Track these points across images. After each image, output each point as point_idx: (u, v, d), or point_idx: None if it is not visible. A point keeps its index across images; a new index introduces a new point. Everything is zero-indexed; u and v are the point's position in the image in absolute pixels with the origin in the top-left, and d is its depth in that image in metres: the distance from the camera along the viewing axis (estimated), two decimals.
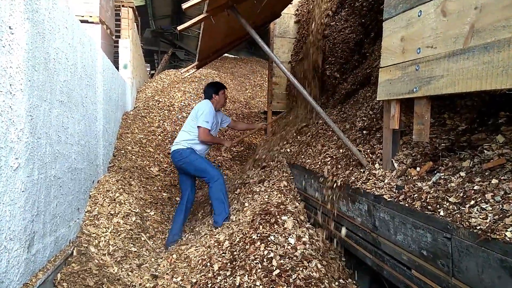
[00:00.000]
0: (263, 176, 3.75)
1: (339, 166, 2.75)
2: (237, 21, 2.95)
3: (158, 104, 7.02)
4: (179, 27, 2.90)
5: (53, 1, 2.62)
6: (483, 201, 1.47)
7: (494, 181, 1.52)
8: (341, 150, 2.98)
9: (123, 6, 8.31)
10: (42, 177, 2.43)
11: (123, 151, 5.16)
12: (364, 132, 2.86)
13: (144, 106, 6.99)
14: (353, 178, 2.43)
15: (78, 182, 3.22)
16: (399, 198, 1.91)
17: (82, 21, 6.21)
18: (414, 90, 1.87)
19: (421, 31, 1.84)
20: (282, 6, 4.88)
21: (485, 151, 1.71)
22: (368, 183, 2.25)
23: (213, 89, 4.11)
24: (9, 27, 2.01)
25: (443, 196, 1.66)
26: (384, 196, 2.02)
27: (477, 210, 1.45)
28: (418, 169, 2.01)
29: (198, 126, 3.84)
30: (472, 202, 1.50)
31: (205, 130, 3.84)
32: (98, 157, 4.09)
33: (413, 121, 1.91)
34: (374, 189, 2.15)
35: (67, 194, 2.91)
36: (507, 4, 1.35)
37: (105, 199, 3.61)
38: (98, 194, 3.65)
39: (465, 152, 1.82)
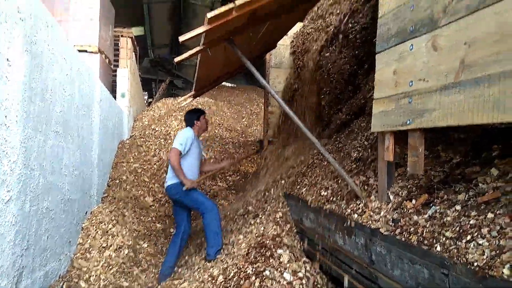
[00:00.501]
0: (259, 207, 3.71)
1: (335, 198, 2.72)
2: (234, 52, 3.00)
3: (154, 132, 7.03)
4: (176, 59, 2.94)
5: (52, 32, 2.67)
6: (479, 236, 1.45)
7: (489, 215, 1.51)
8: (336, 181, 2.96)
9: (122, 36, 8.46)
10: (34, 210, 2.39)
11: (117, 181, 5.12)
12: (359, 162, 2.85)
13: (140, 134, 6.99)
14: (349, 210, 2.40)
15: (70, 214, 3.17)
16: (396, 232, 1.88)
17: (81, 51, 6.31)
18: (408, 122, 1.88)
19: (413, 65, 1.87)
20: (278, 38, 4.99)
21: (479, 184, 1.70)
22: (364, 216, 2.22)
23: (194, 116, 4.11)
24: (7, 59, 2.03)
25: (439, 230, 1.64)
26: (381, 230, 1.99)
27: (474, 246, 1.43)
28: (413, 201, 1.99)
29: (171, 148, 3.75)
30: (469, 237, 1.48)
31: (176, 151, 3.71)
32: (92, 188, 4.05)
33: (408, 153, 1.91)
34: (370, 222, 2.13)
35: (58, 226, 2.85)
36: (496, 39, 1.38)
37: (97, 231, 3.54)
38: (91, 226, 3.59)
39: (460, 184, 1.82)
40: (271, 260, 2.63)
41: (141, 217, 4.46)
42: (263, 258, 2.65)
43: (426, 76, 1.76)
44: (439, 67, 1.67)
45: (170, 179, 3.86)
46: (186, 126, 4.09)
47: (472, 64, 1.48)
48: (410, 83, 1.88)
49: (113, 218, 3.90)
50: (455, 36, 1.57)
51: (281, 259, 2.66)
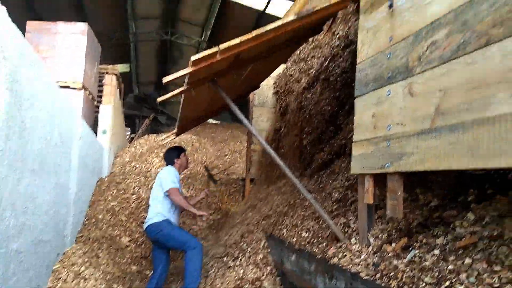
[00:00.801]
0: (239, 249, 3.62)
1: (316, 240, 2.69)
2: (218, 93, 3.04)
3: (134, 170, 6.93)
4: (159, 99, 2.95)
5: (36, 70, 2.66)
6: (458, 282, 1.44)
7: (467, 260, 1.50)
8: (317, 222, 2.94)
9: (107, 73, 8.51)
10: (2, 252, 2.28)
11: (93, 220, 4.96)
12: (340, 203, 2.85)
13: (120, 171, 6.87)
14: (330, 254, 2.37)
15: (41, 256, 3.02)
16: (376, 277, 1.85)
17: (65, 87, 6.29)
18: (387, 165, 1.90)
19: (390, 109, 1.92)
20: (261, 79, 5.10)
21: (457, 228, 1.71)
22: (344, 259, 2.19)
23: (175, 153, 4.06)
24: None
25: (419, 275, 1.62)
26: (361, 274, 1.96)
27: None
28: (393, 245, 1.98)
29: (167, 190, 3.67)
30: (448, 282, 1.47)
31: (175, 190, 3.68)
32: (66, 227, 3.91)
33: (387, 196, 1.92)
34: (351, 265, 2.10)
35: (28, 269, 2.71)
36: (468, 88, 1.43)
37: (69, 274, 3.37)
38: (62, 268, 3.42)
39: (438, 228, 1.82)
40: None
41: (116, 259, 4.28)
42: None
43: (403, 120, 1.81)
44: (415, 112, 1.73)
45: (151, 219, 3.74)
46: (167, 165, 4.03)
47: (446, 111, 1.53)
48: (388, 127, 1.92)
49: (86, 259, 3.73)
50: (430, 84, 1.64)
51: None
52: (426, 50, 1.68)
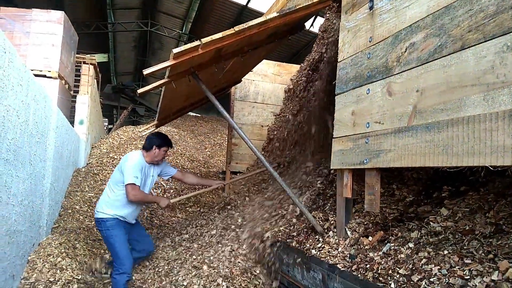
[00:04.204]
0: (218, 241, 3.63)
1: (295, 232, 2.74)
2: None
3: (112, 161, 6.82)
4: (139, 91, 2.93)
5: (9, 58, 2.58)
6: (430, 274, 1.51)
7: (440, 253, 1.58)
8: (296, 216, 2.99)
9: (84, 62, 8.32)
10: None
11: (70, 211, 4.87)
12: (320, 197, 2.91)
13: (97, 162, 6.76)
14: (308, 245, 2.42)
15: (16, 246, 2.96)
16: (352, 268, 1.91)
17: (40, 76, 6.12)
18: (365, 161, 1.96)
19: (369, 107, 1.98)
20: (243, 73, 5.10)
21: (431, 223, 1.79)
22: (322, 251, 2.25)
23: (158, 142, 3.52)
24: None
25: (394, 267, 1.69)
26: (338, 266, 2.02)
27: (425, 284, 1.48)
28: (370, 238, 2.05)
29: (125, 185, 3.28)
30: (421, 275, 1.54)
31: (134, 187, 3.28)
32: (41, 218, 3.83)
33: (365, 191, 1.98)
34: (328, 257, 2.15)
35: (1, 259, 2.65)
36: (443, 89, 1.49)
37: (44, 265, 3.32)
38: (38, 258, 3.36)
39: (413, 223, 1.90)
40: None
41: (94, 250, 4.23)
42: None
43: (381, 119, 1.87)
44: (393, 111, 1.78)
45: (98, 212, 3.38)
46: (142, 148, 3.60)
47: (423, 110, 1.59)
48: (367, 125, 1.97)
49: (62, 250, 3.67)
50: (408, 84, 1.69)
51: None
52: (405, 52, 1.73)
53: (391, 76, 1.81)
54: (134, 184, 3.29)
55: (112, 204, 3.35)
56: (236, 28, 2.58)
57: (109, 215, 3.31)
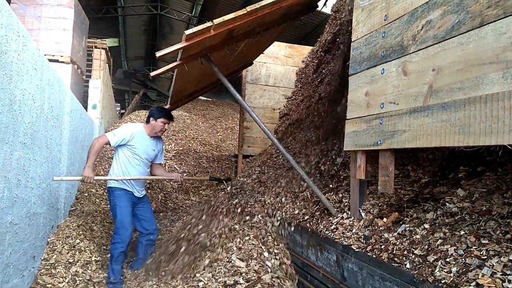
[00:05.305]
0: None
1: (309, 214, 2.75)
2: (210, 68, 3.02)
3: None
4: (152, 73, 2.93)
5: (23, 42, 2.60)
6: (446, 254, 1.51)
7: (456, 234, 1.57)
8: (311, 198, 3.00)
9: (95, 47, 8.34)
10: None
11: (86, 194, 4.97)
12: (334, 180, 2.91)
13: (111, 146, 6.84)
14: (322, 227, 2.43)
15: (35, 228, 3.04)
16: (367, 249, 1.92)
17: (52, 60, 6.17)
18: (379, 142, 1.94)
19: (384, 88, 1.94)
20: (254, 55, 5.05)
21: (447, 203, 1.77)
22: (336, 232, 2.26)
23: (156, 114, 3.59)
24: None
25: (409, 248, 1.69)
26: (352, 246, 2.03)
27: (441, 264, 1.48)
28: (384, 219, 2.04)
29: (102, 135, 3.49)
30: (437, 255, 1.54)
31: (103, 137, 3.49)
32: (59, 201, 3.92)
33: (378, 172, 1.97)
34: (343, 238, 2.16)
35: (23, 241, 2.73)
36: (461, 68, 1.46)
37: (64, 246, 3.41)
38: (57, 240, 3.45)
39: (429, 204, 1.88)
40: None
41: (111, 232, 4.33)
42: None
43: (396, 99, 1.84)
44: (408, 90, 1.75)
45: (108, 182, 3.58)
46: (145, 121, 3.70)
47: (439, 89, 1.56)
48: (382, 105, 1.95)
49: (80, 232, 3.76)
50: (424, 63, 1.66)
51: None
52: (421, 30, 1.69)
53: (406, 55, 1.77)
54: (105, 136, 3.50)
55: (117, 175, 3.52)
56: (248, 8, 2.55)
57: (114, 185, 3.50)
